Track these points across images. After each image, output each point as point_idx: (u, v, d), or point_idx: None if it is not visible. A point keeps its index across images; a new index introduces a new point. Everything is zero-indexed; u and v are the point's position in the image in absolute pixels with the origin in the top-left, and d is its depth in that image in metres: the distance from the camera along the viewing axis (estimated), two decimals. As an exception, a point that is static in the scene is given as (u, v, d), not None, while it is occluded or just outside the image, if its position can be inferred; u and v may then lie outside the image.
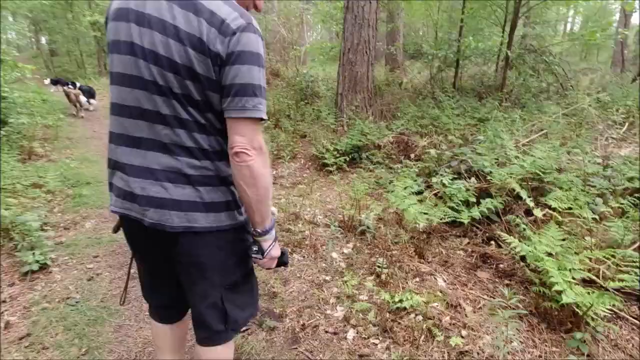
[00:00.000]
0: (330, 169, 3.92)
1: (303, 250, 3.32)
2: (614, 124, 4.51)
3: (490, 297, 2.72)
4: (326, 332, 2.44)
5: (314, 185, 4.68)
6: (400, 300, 2.51)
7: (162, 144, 1.16)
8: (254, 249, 1.24)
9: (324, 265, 3.13)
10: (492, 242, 3.28)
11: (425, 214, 3.17)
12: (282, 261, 1.35)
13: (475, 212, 3.07)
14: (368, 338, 2.37)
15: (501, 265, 3.02)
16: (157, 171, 1.11)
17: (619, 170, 3.47)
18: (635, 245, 2.60)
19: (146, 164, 1.12)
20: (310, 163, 5.49)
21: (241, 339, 2.37)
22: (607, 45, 14.83)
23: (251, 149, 1.05)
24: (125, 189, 1.16)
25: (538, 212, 2.98)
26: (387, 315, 2.51)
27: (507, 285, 2.83)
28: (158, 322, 1.48)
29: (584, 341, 2.21)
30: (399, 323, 2.45)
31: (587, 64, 15.48)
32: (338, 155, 4.95)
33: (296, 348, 2.33)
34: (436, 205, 3.27)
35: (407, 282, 2.87)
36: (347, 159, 4.99)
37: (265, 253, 1.23)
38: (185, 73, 1.08)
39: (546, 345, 2.28)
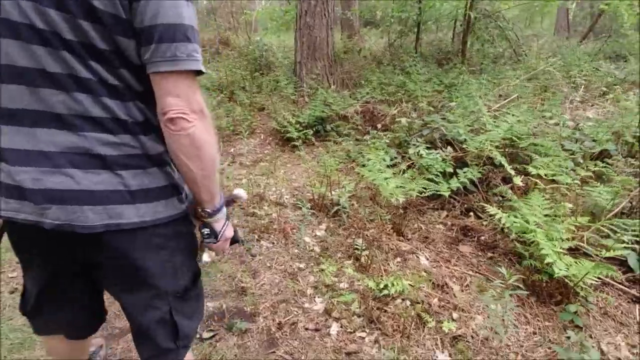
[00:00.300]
0: (296, 142, 3.55)
1: (272, 236, 2.98)
2: (576, 87, 4.51)
3: (476, 272, 2.57)
4: (306, 329, 2.16)
5: (277, 162, 4.30)
6: (386, 286, 2.27)
7: (55, 115, 0.77)
8: (205, 232, 1.07)
9: (296, 251, 2.82)
10: (471, 214, 3.14)
11: (401, 187, 2.93)
12: (235, 239, 1.23)
13: (455, 184, 2.88)
14: (354, 332, 2.12)
15: (482, 238, 2.88)
16: (54, 154, 0.81)
17: (588, 134, 3.42)
18: (617, 210, 2.53)
19: (37, 146, 0.76)
20: (271, 138, 5.06)
21: (209, 348, 2.03)
22: (552, 12, 15.29)
23: (190, 112, 0.83)
24: (8, 182, 0.81)
25: (517, 180, 2.84)
26: (372, 303, 2.28)
27: (491, 258, 2.70)
28: (55, 338, 1.20)
29: (577, 313, 2.11)
30: (385, 311, 2.23)
31: (532, 31, 15.91)
32: (301, 128, 4.57)
33: (274, 352, 2.03)
34: (413, 177, 3.03)
35: (388, 264, 2.65)
36: (311, 132, 4.63)
37: (219, 235, 1.07)
38: (76, 8, 0.73)
39: (538, 320, 2.16)
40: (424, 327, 2.12)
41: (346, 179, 3.44)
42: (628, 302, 2.25)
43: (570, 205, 2.62)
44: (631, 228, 2.39)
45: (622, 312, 2.18)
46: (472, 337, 2.07)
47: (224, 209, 1.07)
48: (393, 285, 2.26)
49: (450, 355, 1.98)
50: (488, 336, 2.07)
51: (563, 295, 2.25)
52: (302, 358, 2.00)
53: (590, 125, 3.45)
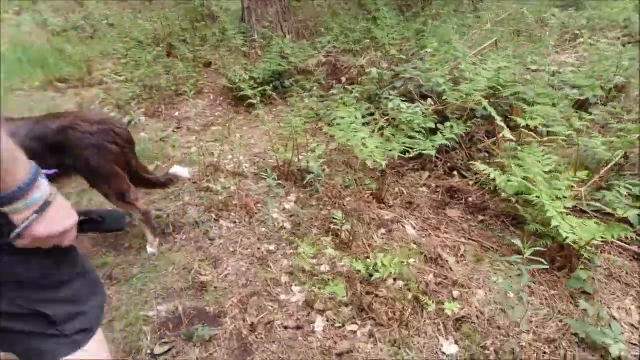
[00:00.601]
0: (253, 101, 3.00)
1: (232, 214, 2.51)
2: (549, 30, 4.27)
3: (469, 239, 2.30)
4: (286, 328, 1.78)
5: (231, 125, 3.72)
6: (375, 266, 1.93)
7: None
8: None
9: (263, 230, 2.38)
10: (455, 173, 2.84)
11: (381, 148, 2.54)
12: (94, 228, 0.94)
13: (440, 140, 2.53)
14: (343, 325, 1.78)
15: (470, 199, 2.61)
16: None
17: (568, 80, 3.19)
18: (612, 164, 2.33)
19: None
20: (222, 98, 4.41)
21: (163, 367, 1.60)
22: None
23: None
24: None
25: (508, 134, 2.55)
26: (360, 287, 1.94)
27: (482, 222, 2.44)
28: None
29: (585, 280, 1.90)
30: (377, 296, 1.90)
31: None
32: (256, 85, 3.96)
33: (248, 362, 1.65)
34: (392, 136, 2.65)
35: (372, 238, 2.30)
36: (269, 89, 4.04)
37: (20, 230, 0.75)
38: None
39: (544, 290, 1.94)
40: (423, 311, 1.83)
41: (314, 141, 2.99)
42: (630, 260, 2.09)
43: (566, 160, 2.38)
44: (628, 182, 2.20)
45: (626, 273, 2.02)
46: (477, 317, 1.81)
47: (35, 196, 0.75)
48: (384, 265, 1.92)
49: (456, 341, 1.71)
50: (494, 314, 1.82)
51: (566, 259, 2.04)
52: (284, 366, 1.63)
53: (571, 71, 3.21)
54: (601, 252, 2.11)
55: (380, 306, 1.84)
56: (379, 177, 2.83)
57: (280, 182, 2.76)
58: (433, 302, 1.81)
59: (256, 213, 2.51)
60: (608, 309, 1.82)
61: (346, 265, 2.04)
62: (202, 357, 1.66)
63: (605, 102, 3.11)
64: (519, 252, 2.16)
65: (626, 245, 2.13)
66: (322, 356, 1.65)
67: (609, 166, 2.29)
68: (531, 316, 1.79)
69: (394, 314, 1.81)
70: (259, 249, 2.24)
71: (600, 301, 1.86)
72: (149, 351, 1.68)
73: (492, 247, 2.23)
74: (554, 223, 1.91)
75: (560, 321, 1.77)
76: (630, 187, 2.09)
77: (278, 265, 2.13)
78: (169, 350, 1.68)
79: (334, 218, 2.33)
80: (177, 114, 4.00)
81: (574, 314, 1.81)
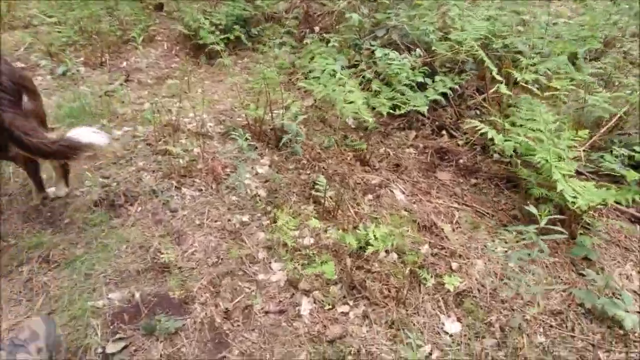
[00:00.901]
0: (216, 47, 2.55)
1: (196, 181, 2.16)
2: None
3: (463, 204, 2.12)
4: (266, 313, 1.54)
5: (191, 78, 3.24)
6: (366, 239, 1.69)
7: None
8: None
9: (234, 199, 2.07)
10: (444, 133, 2.62)
11: (367, 104, 2.25)
12: None
13: (433, 95, 2.26)
14: (333, 307, 1.55)
15: (461, 161, 2.41)
16: None
17: (560, 32, 2.98)
18: (611, 123, 2.18)
19: None
20: (179, 47, 3.84)
21: (119, 368, 1.32)
22: None
23: None
24: None
25: (504, 88, 2.33)
26: (349, 262, 1.71)
27: (475, 185, 2.26)
28: None
29: (590, 246, 1.78)
30: (369, 271, 1.68)
31: None
32: (217, 32, 3.44)
33: (225, 356, 1.39)
34: (379, 91, 2.35)
35: (359, 205, 2.06)
36: (232, 37, 3.55)
37: None
38: None
39: (544, 258, 1.81)
40: (421, 286, 1.64)
41: (290, 96, 2.63)
42: (628, 223, 2.00)
43: (563, 118, 2.21)
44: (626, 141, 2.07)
45: (625, 236, 1.93)
46: (479, 290, 1.65)
47: None
48: (376, 237, 1.68)
49: (458, 318, 1.54)
50: (496, 287, 1.66)
51: (565, 225, 1.91)
52: (268, 358, 1.39)
53: (562, 23, 3.00)
54: (599, 216, 2.00)
55: (374, 283, 1.63)
56: (362, 137, 2.56)
57: (251, 143, 2.41)
58: (431, 276, 1.62)
59: (225, 179, 2.18)
60: (610, 275, 1.72)
61: (332, 237, 1.79)
62: (168, 353, 1.39)
63: (594, 57, 2.96)
64: (516, 218, 2.02)
65: (624, 208, 2.03)
66: (310, 344, 1.43)
67: (611, 123, 2.14)
68: (533, 286, 1.65)
69: (389, 291, 1.61)
70: (229, 220, 1.93)
71: (603, 268, 1.75)
72: (99, 349, 1.38)
73: (488, 213, 2.06)
74: (559, 187, 1.74)
75: (564, 291, 1.65)
76: (626, 149, 1.97)
77: (253, 239, 1.84)
78: (125, 347, 1.38)
79: (316, 183, 2.05)
80: (124, 64, 3.44)
81: (577, 283, 1.70)
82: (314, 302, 1.56)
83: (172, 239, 1.82)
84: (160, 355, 1.37)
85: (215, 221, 1.93)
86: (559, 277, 1.71)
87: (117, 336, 1.41)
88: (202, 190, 2.11)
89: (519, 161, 1.99)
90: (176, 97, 2.91)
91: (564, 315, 1.56)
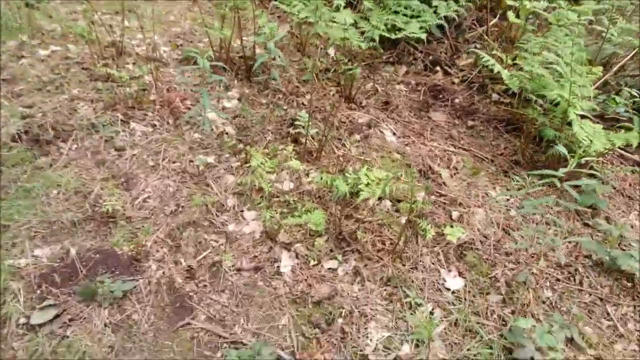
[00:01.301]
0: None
1: (149, 114, 1.77)
2: None
3: (459, 148, 1.89)
4: (239, 270, 1.27)
5: (139, -7, 2.66)
6: (356, 184, 1.43)
7: None
8: None
9: (196, 136, 1.72)
10: (438, 69, 2.32)
11: (357, 27, 1.89)
12: None
13: (434, 20, 1.93)
14: (318, 263, 1.31)
15: (457, 100, 2.15)
16: None
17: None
18: (624, 61, 1.97)
19: None
20: (122, -44, 3.16)
21: (49, 341, 1.03)
22: None
23: None
24: None
25: (512, 17, 2.03)
26: (337, 210, 1.45)
27: (472, 127, 2.03)
28: None
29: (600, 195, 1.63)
30: (359, 221, 1.44)
31: None
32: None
33: (188, 323, 1.13)
34: (371, 10, 1.98)
35: (345, 146, 1.77)
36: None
37: None
38: None
39: (547, 206, 1.65)
40: (418, 238, 1.43)
41: (262, 14, 2.19)
42: (633, 172, 1.87)
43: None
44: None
45: (630, 184, 1.80)
46: (482, 242, 1.46)
47: None
48: (367, 183, 1.42)
49: (460, 273, 1.36)
50: (499, 238, 1.49)
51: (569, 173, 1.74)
52: (242, 323, 1.15)
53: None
54: (603, 162, 1.85)
55: (365, 234, 1.40)
56: (345, 69, 2.21)
57: (217, 67, 2.01)
58: (431, 226, 1.40)
59: (184, 113, 1.80)
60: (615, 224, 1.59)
61: (316, 182, 1.52)
62: (114, 321, 1.11)
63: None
64: (518, 163, 1.82)
65: (628, 155, 1.89)
66: (293, 306, 1.20)
67: (625, 60, 1.93)
68: (538, 237, 1.49)
69: (384, 244, 1.39)
70: (191, 162, 1.60)
71: (608, 217, 1.62)
72: (22, 320, 1.07)
73: (487, 158, 1.85)
74: (575, 128, 1.54)
75: (570, 242, 1.50)
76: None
77: (221, 183, 1.53)
78: (57, 316, 1.08)
79: (294, 120, 1.73)
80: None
81: (582, 233, 1.56)
82: (296, 257, 1.32)
83: (118, 183, 1.48)
84: (105, 325, 1.09)
85: (174, 162, 1.59)
86: (563, 226, 1.56)
87: (46, 303, 1.10)
88: (155, 125, 1.73)
89: (534, 98, 1.75)
90: (120, 15, 2.38)
91: (572, 268, 1.42)
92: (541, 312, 1.29)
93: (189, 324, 1.13)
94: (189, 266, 1.25)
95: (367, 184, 1.41)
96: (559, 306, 1.32)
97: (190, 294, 1.20)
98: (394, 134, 1.92)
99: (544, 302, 1.32)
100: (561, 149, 1.24)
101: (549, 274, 1.40)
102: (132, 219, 1.37)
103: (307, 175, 1.59)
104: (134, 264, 1.24)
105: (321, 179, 1.46)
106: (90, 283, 1.14)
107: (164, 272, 1.23)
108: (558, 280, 1.39)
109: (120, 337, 1.08)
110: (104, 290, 1.12)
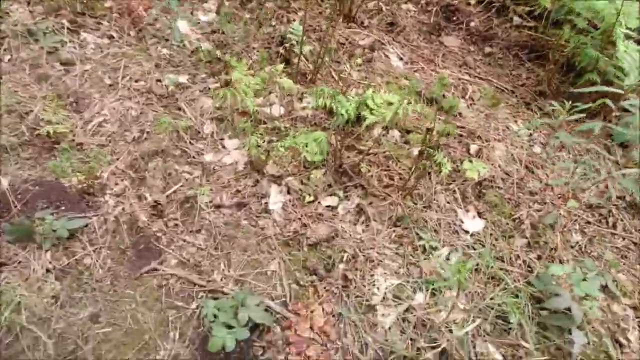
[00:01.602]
0: None
1: (104, 23, 1.44)
2: None
3: (476, 77, 1.64)
4: (218, 207, 1.04)
5: None
6: (359, 108, 1.18)
7: None
8: None
9: (165, 52, 1.41)
10: (451, -13, 2.00)
11: None
12: None
13: None
14: (315, 200, 1.09)
15: (472, 24, 1.86)
16: None
17: None
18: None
19: None
20: None
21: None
22: None
23: None
24: None
25: None
26: (335, 139, 1.21)
27: (490, 54, 1.76)
28: None
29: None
30: (363, 153, 1.21)
31: None
32: None
33: (155, 269, 0.92)
34: None
35: (345, 69, 1.50)
36: None
37: None
38: None
39: (574, 142, 1.44)
40: (431, 174, 1.21)
41: None
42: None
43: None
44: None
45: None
46: (503, 180, 1.26)
47: None
48: (370, 108, 1.17)
49: (479, 213, 1.16)
50: (523, 176, 1.28)
51: (602, 106, 1.52)
52: (223, 269, 0.94)
53: None
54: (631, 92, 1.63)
55: (371, 168, 1.17)
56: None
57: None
58: (447, 160, 1.18)
59: (150, 24, 1.47)
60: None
61: (311, 107, 1.26)
62: (60, 267, 0.88)
63: None
64: (543, 94, 1.59)
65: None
66: (285, 249, 0.99)
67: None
68: (563, 174, 1.30)
69: (392, 179, 1.17)
70: (159, 81, 1.31)
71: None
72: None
73: (506, 88, 1.61)
74: (620, 47, 1.30)
75: (603, 182, 1.32)
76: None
77: (196, 107, 1.26)
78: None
79: (284, 38, 1.44)
80: None
81: (615, 172, 1.36)
82: (288, 193, 1.09)
83: (65, 103, 1.19)
84: (47, 271, 0.87)
85: (136, 81, 1.30)
86: (592, 165, 1.37)
87: (-32, 244, 0.86)
88: (113, 37, 1.41)
89: (515, 20, 1.47)
90: None
91: (604, 209, 1.24)
92: (570, 258, 1.12)
93: (155, 269, 0.92)
94: (155, 202, 1.01)
95: (372, 111, 1.16)
96: (589, 251, 1.16)
97: (158, 234, 0.98)
98: (401, 58, 1.64)
99: (572, 247, 1.15)
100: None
101: (579, 216, 1.22)
102: (84, 146, 1.10)
103: (301, 100, 1.32)
104: (85, 199, 0.99)
105: (317, 102, 1.20)
106: (25, 220, 0.90)
107: (123, 209, 0.99)
108: (589, 222, 1.21)
109: (67, 286, 0.86)
110: (44, 229, 0.88)
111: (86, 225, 0.95)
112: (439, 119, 1.36)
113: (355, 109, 1.13)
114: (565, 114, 1.10)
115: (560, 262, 1.11)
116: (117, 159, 1.09)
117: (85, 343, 0.81)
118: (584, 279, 0.99)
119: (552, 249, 1.13)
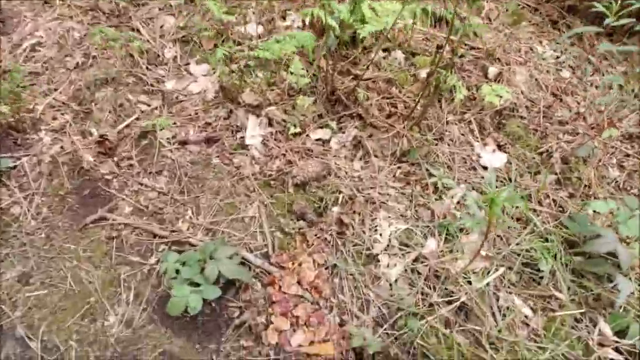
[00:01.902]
0: None
1: None
2: None
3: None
4: (182, 144, 0.85)
5: None
6: (353, 18, 0.95)
7: None
8: None
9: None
10: None
11: None
12: None
13: None
14: (303, 132, 0.90)
15: None
16: None
17: None
18: None
19: None
20: None
21: None
22: None
23: None
24: None
25: None
26: (326, 62, 0.99)
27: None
28: None
29: None
30: (359, 78, 0.99)
31: None
32: None
33: (104, 218, 0.74)
34: None
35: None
36: None
37: None
38: None
39: (609, 65, 1.23)
40: (442, 101, 1.00)
41: None
42: None
43: None
44: None
45: None
46: (527, 108, 1.06)
47: None
48: (364, 21, 0.94)
49: (499, 146, 0.97)
50: (550, 104, 1.08)
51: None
52: (190, 217, 0.76)
53: None
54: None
55: (369, 93, 0.96)
56: None
57: None
58: (462, 84, 0.97)
59: None
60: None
61: (297, 26, 1.03)
62: (-21, 218, 0.69)
63: None
64: (572, 10, 1.35)
65: None
66: (266, 190, 0.81)
67: None
68: (595, 100, 1.10)
69: (395, 107, 0.96)
70: (108, -3, 1.06)
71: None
72: None
73: (528, 5, 1.36)
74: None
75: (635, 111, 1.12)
76: None
77: (154, 27, 1.03)
78: None
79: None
80: None
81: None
82: (269, 125, 0.89)
83: (-11, 22, 0.95)
84: (-38, 223, 0.68)
85: (80, -2, 1.05)
86: (630, 90, 1.16)
87: None
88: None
89: None
90: None
91: (645, 139, 1.05)
92: (607, 195, 0.94)
93: (104, 218, 0.73)
94: (103, 137, 0.81)
95: (364, 23, 0.93)
96: (628, 187, 0.98)
97: (108, 177, 0.79)
98: (404, -27, 1.37)
99: (609, 183, 0.97)
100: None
101: (616, 148, 1.03)
102: (13, 73, 0.88)
103: (284, 17, 1.09)
104: (12, 136, 0.79)
105: (305, 15, 0.97)
106: None
107: (62, 147, 0.80)
108: (627, 155, 1.03)
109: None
110: (-45, 171, 0.69)
111: (14, 167, 0.75)
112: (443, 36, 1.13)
113: (349, 15, 0.90)
114: (612, 17, 0.88)
115: (596, 200, 0.93)
116: (56, 90, 0.88)
117: (12, 309, 0.64)
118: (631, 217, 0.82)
119: (585, 185, 0.95)
